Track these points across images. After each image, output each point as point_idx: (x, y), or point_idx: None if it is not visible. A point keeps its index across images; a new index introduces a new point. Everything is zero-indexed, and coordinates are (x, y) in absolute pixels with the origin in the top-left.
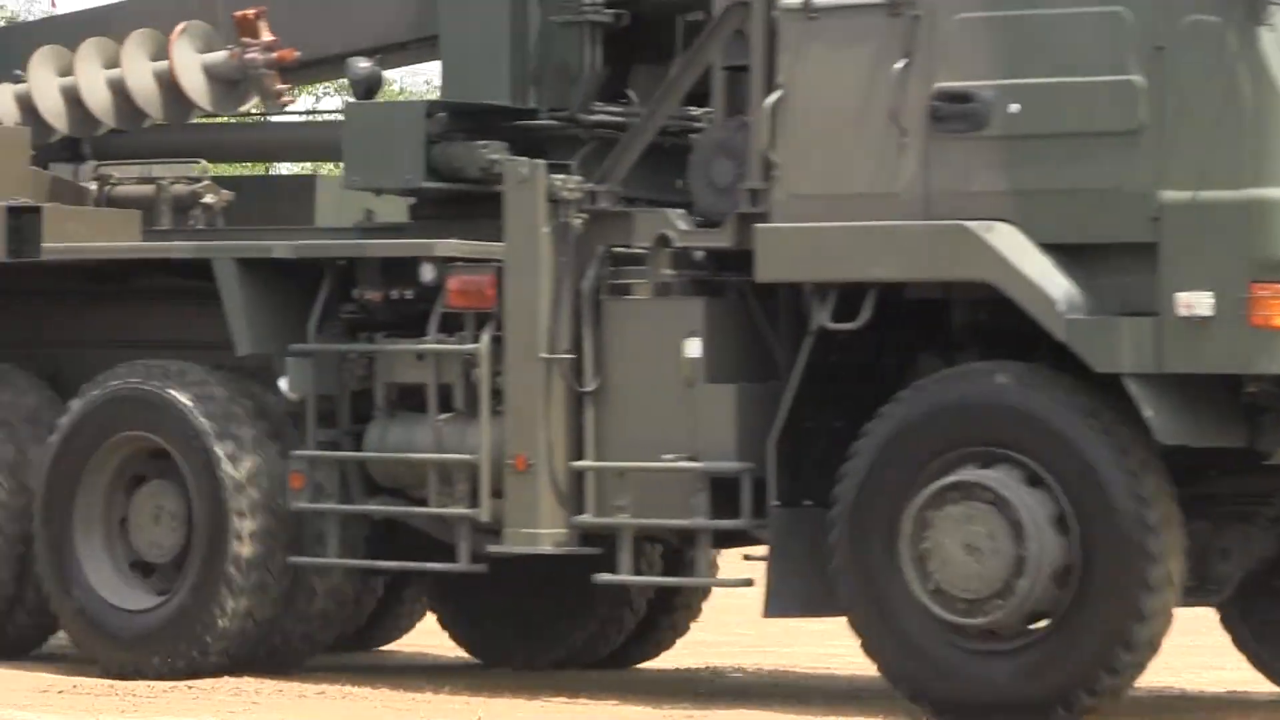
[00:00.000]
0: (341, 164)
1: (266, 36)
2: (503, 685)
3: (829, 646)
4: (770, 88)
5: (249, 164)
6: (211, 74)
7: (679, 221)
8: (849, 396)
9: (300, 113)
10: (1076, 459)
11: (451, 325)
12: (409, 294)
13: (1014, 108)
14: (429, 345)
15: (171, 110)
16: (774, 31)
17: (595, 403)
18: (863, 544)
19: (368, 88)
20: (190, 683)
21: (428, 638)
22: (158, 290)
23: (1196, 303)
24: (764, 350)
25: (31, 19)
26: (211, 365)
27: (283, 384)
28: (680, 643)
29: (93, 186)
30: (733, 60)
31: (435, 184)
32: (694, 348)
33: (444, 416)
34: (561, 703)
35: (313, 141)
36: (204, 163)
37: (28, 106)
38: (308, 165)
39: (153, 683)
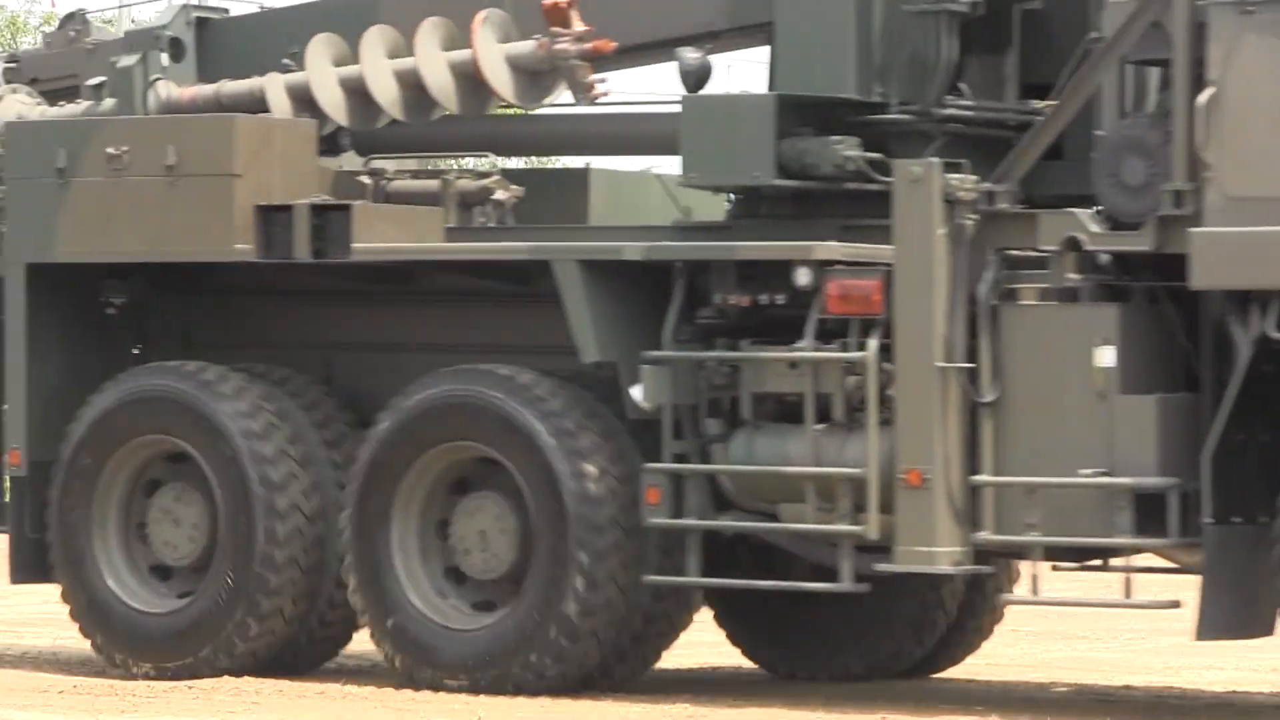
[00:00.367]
0: (642, 157)
1: (579, 26)
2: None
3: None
4: (1197, 84)
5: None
6: (516, 65)
7: (1090, 224)
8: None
9: (615, 104)
10: None
11: (825, 332)
12: (780, 299)
13: None
14: (807, 353)
15: (469, 102)
16: (1200, 24)
17: (994, 414)
18: None
19: (698, 79)
20: (190, 683)
21: None
22: (439, 291)
23: None
24: (1176, 359)
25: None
26: (541, 371)
27: (636, 392)
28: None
29: (367, 181)
30: (1144, 54)
31: (784, 181)
32: (1107, 357)
33: (819, 427)
34: (562, 703)
35: (602, 135)
36: (493, 156)
37: (303, 98)
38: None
39: (154, 683)
